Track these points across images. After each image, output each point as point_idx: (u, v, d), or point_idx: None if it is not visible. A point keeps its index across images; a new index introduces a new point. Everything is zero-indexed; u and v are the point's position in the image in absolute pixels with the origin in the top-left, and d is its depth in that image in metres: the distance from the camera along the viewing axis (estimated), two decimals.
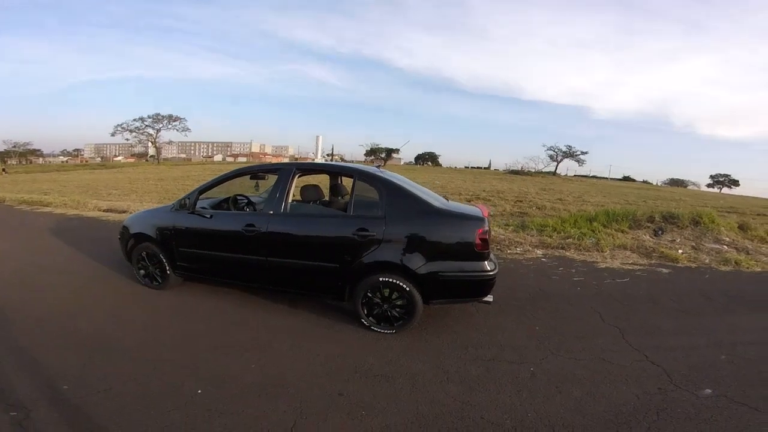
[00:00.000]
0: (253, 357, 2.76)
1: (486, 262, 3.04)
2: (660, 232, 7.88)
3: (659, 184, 78.76)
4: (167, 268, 3.88)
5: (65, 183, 19.35)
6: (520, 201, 13.14)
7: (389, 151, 70.00)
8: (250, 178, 4.03)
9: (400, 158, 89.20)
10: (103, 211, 9.67)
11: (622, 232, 7.65)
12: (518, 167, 60.00)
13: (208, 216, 3.67)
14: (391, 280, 3.03)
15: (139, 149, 74.40)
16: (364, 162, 71.98)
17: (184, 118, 60.35)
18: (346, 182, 3.99)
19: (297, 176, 3.59)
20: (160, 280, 3.99)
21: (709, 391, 2.44)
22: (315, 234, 3.29)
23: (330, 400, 2.30)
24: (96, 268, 4.87)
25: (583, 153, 63.05)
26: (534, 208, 11.48)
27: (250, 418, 2.12)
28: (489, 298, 3.25)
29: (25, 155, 72.74)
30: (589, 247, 6.51)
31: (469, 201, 12.40)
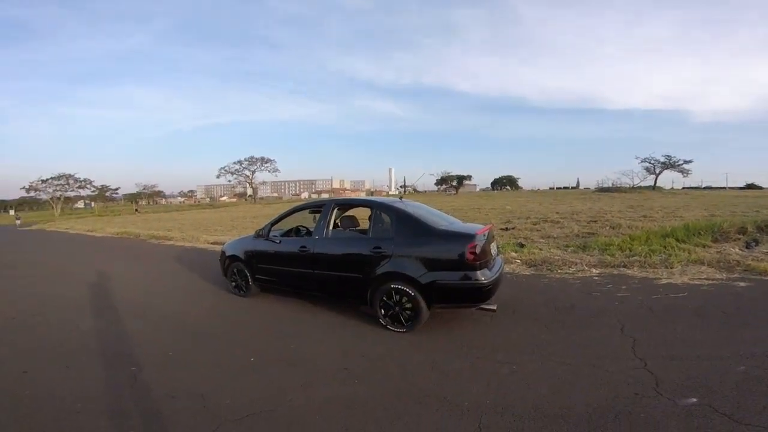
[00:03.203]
0: (294, 342, 3.72)
1: (478, 272, 3.50)
2: (753, 244, 7.11)
3: None
4: (250, 280, 5.10)
5: (182, 221, 23.36)
6: (594, 221, 12.40)
7: (460, 178, 69.54)
8: (309, 212, 5.09)
9: (475, 185, 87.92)
10: (210, 243, 11.75)
11: (704, 246, 7.06)
12: (609, 184, 55.29)
13: (277, 241, 4.85)
14: (400, 287, 3.69)
15: (239, 189, 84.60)
16: (437, 191, 72.68)
17: (274, 160, 67.67)
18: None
19: (335, 209, 4.59)
20: (245, 290, 5.24)
21: (695, 400, 2.39)
22: (345, 252, 4.20)
23: (335, 372, 3.04)
24: (202, 283, 6.42)
25: (686, 162, 55.29)
26: (607, 227, 10.85)
27: (277, 377, 3.00)
28: (492, 306, 3.72)
29: (152, 196, 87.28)
30: (656, 264, 6.16)
31: (535, 224, 12.11)
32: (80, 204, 72.23)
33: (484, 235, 3.69)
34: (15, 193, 62.33)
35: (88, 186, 56.21)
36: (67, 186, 52.38)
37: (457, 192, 66.03)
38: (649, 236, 7.88)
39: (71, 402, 2.69)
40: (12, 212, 41.42)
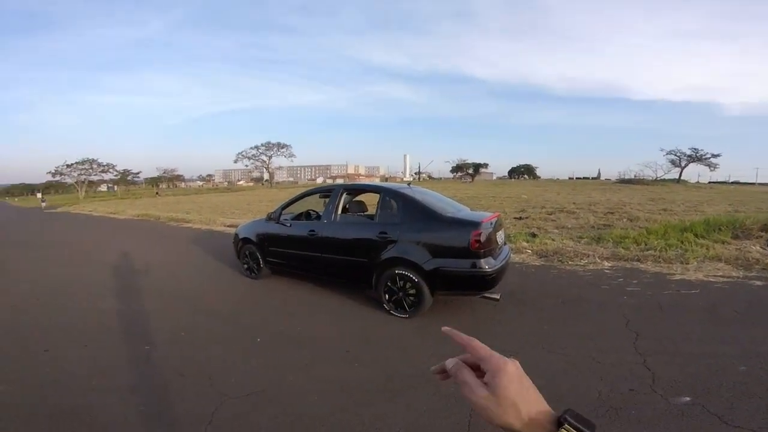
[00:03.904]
0: (300, 323, 3.88)
1: (482, 260, 3.51)
2: None
3: None
4: (261, 263, 5.25)
5: (201, 204, 23.90)
6: (611, 213, 12.13)
7: (477, 166, 68.61)
8: (320, 197, 5.16)
9: (491, 173, 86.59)
10: (227, 226, 12.03)
11: (723, 242, 6.86)
12: (631, 176, 53.86)
13: (288, 225, 4.95)
14: (404, 272, 3.74)
15: (256, 174, 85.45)
16: (452, 178, 71.86)
17: (290, 145, 67.63)
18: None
19: (344, 194, 4.66)
20: (256, 272, 5.39)
21: (688, 399, 2.36)
22: (352, 237, 4.27)
23: (339, 354, 3.14)
24: (217, 265, 6.66)
25: (714, 156, 53.14)
26: (624, 219, 10.61)
27: (281, 358, 3.13)
28: (496, 295, 3.75)
29: (172, 180, 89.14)
30: (672, 259, 6.03)
31: (550, 214, 11.92)
32: (103, 187, 74.47)
33: (491, 224, 3.68)
34: (41, 177, 64.86)
35: (111, 170, 57.88)
36: (90, 170, 54.21)
37: (473, 180, 65.23)
38: (667, 230, 7.68)
39: (87, 379, 2.85)
40: (39, 195, 42.93)
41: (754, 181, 65.43)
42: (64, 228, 14.70)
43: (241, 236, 5.59)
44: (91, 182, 57.74)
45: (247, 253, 5.45)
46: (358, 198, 5.04)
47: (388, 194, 4.26)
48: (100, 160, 54.95)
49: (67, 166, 52.28)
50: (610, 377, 2.65)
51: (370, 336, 3.47)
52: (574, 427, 0.45)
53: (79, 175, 53.10)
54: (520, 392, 0.49)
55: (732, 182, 63.05)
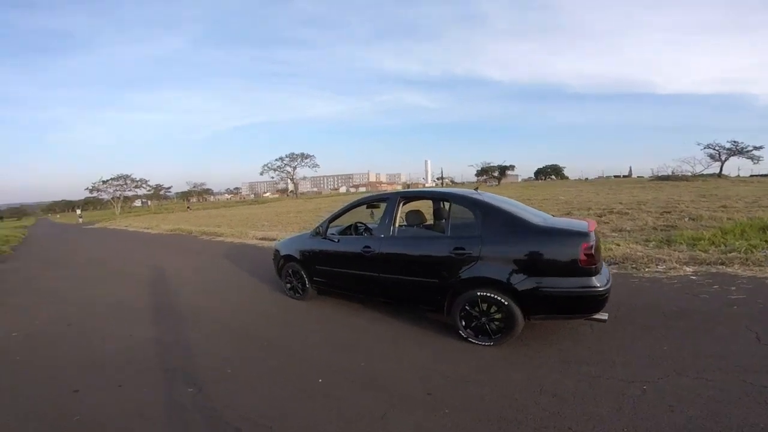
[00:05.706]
0: (362, 357, 3.26)
1: (593, 278, 2.91)
2: None
3: None
4: (306, 282, 4.74)
5: (230, 217, 24.09)
6: (668, 212, 11.14)
7: (502, 169, 67.05)
8: (366, 207, 4.65)
9: (517, 175, 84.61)
10: (259, 239, 11.81)
11: None
12: (668, 172, 51.18)
13: (336, 240, 4.41)
14: (488, 294, 3.14)
15: (281, 185, 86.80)
16: (477, 182, 70.41)
17: (313, 155, 68.44)
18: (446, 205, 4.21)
19: (401, 203, 4.06)
20: (301, 293, 4.89)
21: None
22: (418, 253, 3.64)
23: (419, 397, 2.57)
24: (255, 282, 6.20)
25: (756, 148, 49.81)
26: (686, 219, 9.68)
27: (353, 405, 2.55)
28: (603, 315, 3.10)
29: (201, 194, 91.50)
30: (761, 261, 5.31)
31: (600, 216, 11.06)
32: (138, 202, 77.26)
33: (594, 233, 3.07)
34: (80, 194, 67.87)
35: (144, 185, 59.99)
36: (125, 186, 56.28)
37: (499, 183, 63.77)
38: (745, 229, 6.88)
39: (124, 431, 2.43)
40: (78, 211, 44.93)
41: None
42: (99, 243, 14.95)
43: (282, 253, 5.10)
44: (126, 198, 59.87)
45: (290, 271, 4.97)
46: (415, 207, 4.46)
47: (459, 202, 3.64)
48: (133, 176, 57.08)
49: (103, 182, 54.46)
50: None
51: (448, 371, 2.88)
52: None
53: (114, 190, 55.24)
54: None
55: None
